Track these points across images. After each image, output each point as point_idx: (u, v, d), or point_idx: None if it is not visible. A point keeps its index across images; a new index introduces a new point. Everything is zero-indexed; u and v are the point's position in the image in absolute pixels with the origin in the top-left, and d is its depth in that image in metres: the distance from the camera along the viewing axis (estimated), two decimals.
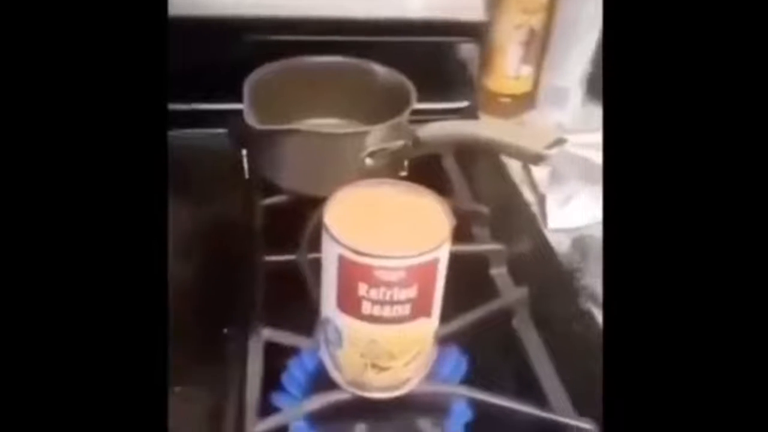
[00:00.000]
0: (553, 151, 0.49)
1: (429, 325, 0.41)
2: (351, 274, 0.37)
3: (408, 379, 0.42)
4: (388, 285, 0.37)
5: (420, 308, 0.39)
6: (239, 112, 0.59)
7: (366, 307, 0.38)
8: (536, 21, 0.74)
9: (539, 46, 0.76)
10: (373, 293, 0.37)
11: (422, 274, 0.37)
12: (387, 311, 0.38)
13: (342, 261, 0.37)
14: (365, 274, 0.37)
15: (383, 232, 0.38)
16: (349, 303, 0.38)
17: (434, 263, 0.37)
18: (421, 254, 0.37)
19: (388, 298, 0.37)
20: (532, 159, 0.51)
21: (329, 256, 0.38)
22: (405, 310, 0.38)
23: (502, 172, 0.68)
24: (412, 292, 0.37)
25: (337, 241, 0.37)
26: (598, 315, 0.52)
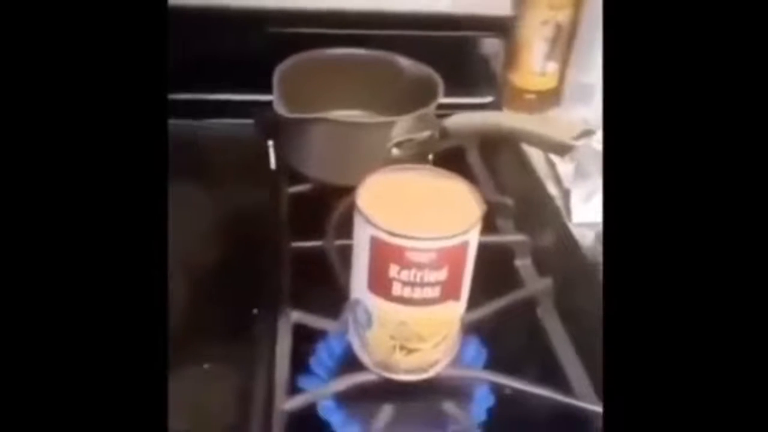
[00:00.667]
0: (581, 141, 0.50)
1: (457, 309, 0.41)
2: (383, 255, 0.38)
3: (435, 362, 0.43)
4: (419, 266, 0.37)
5: (449, 291, 0.39)
6: (265, 103, 0.60)
7: (397, 289, 0.38)
8: (563, 17, 0.74)
9: (565, 42, 0.76)
10: (404, 275, 0.38)
11: (452, 257, 0.38)
12: (417, 293, 0.38)
13: (374, 242, 0.38)
14: (397, 255, 0.37)
15: (414, 216, 0.39)
16: (380, 284, 0.39)
17: (464, 246, 0.38)
18: (452, 236, 0.37)
19: (418, 279, 0.38)
20: (559, 149, 0.52)
21: (361, 238, 0.39)
22: (435, 292, 0.39)
23: (526, 165, 0.69)
24: (442, 275, 0.38)
25: (371, 223, 0.38)
26: None
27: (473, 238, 0.39)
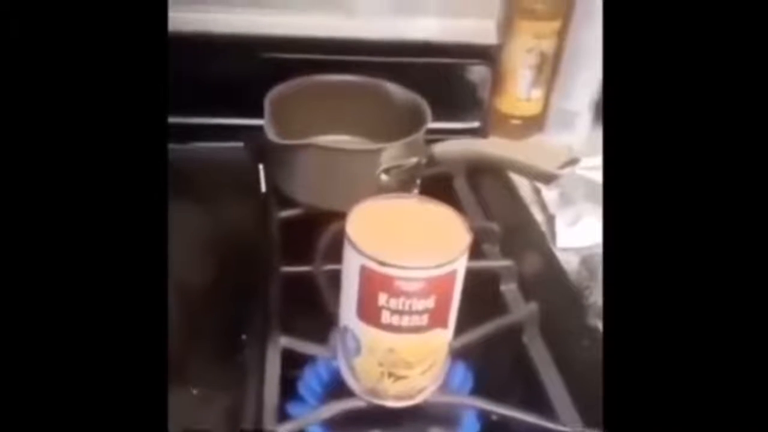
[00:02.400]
0: (565, 170, 0.51)
1: (444, 336, 0.42)
2: (372, 284, 0.38)
3: (423, 389, 0.43)
4: (408, 295, 0.38)
5: (437, 319, 0.40)
6: (257, 127, 0.60)
7: (385, 317, 0.39)
8: (547, 45, 0.76)
9: (550, 70, 0.78)
10: (393, 303, 0.38)
11: (440, 285, 0.39)
12: (405, 321, 0.39)
13: (364, 271, 0.38)
14: (386, 284, 0.38)
15: (403, 244, 0.40)
16: (369, 312, 0.39)
17: (452, 275, 0.39)
18: (440, 266, 0.38)
19: (407, 308, 0.38)
20: (544, 178, 0.53)
21: (351, 266, 0.40)
22: (423, 320, 0.39)
23: (512, 191, 0.70)
24: (430, 303, 0.39)
25: (360, 252, 0.38)
26: None
27: (461, 267, 0.39)
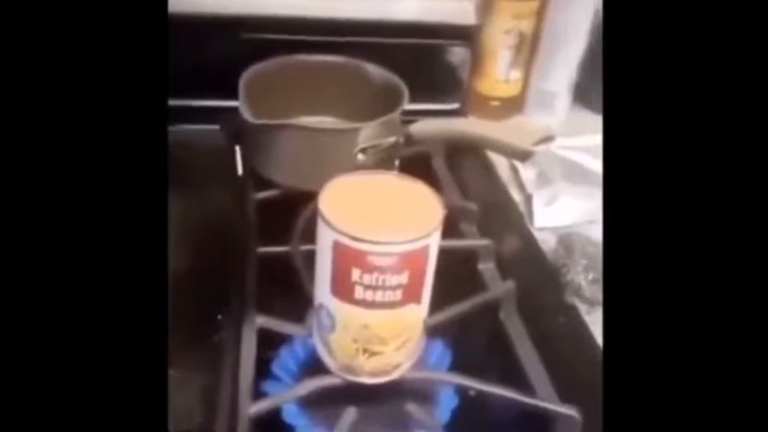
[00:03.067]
0: (540, 147, 0.51)
1: (419, 312, 0.42)
2: (345, 259, 0.38)
3: (398, 365, 0.43)
4: (381, 270, 0.38)
5: (410, 294, 0.40)
6: (233, 109, 0.60)
7: (359, 292, 0.39)
8: (526, 26, 0.76)
9: (528, 50, 0.78)
10: (366, 278, 0.38)
11: (414, 260, 0.39)
12: (379, 296, 0.39)
13: (337, 247, 0.38)
14: (359, 259, 0.38)
15: (376, 219, 0.40)
16: (343, 288, 0.39)
17: (425, 250, 0.39)
18: (413, 240, 0.38)
19: (380, 283, 0.38)
20: (519, 155, 0.53)
21: (324, 242, 0.39)
22: (396, 295, 0.39)
23: (490, 171, 0.70)
24: (403, 278, 0.39)
25: (333, 228, 0.38)
26: (582, 308, 0.54)
27: (434, 242, 0.39)
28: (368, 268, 0.38)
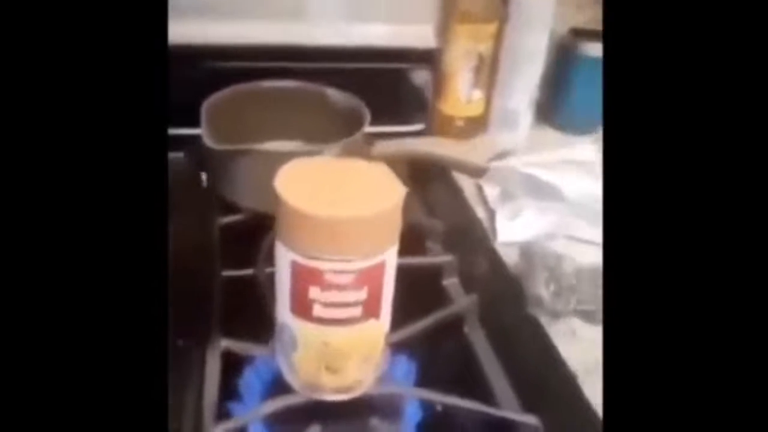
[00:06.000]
0: (497, 163, 0.53)
1: (379, 327, 0.43)
2: (302, 278, 0.39)
3: (361, 381, 0.44)
4: (339, 287, 0.39)
5: (370, 310, 0.41)
6: (197, 137, 0.61)
7: (318, 310, 0.40)
8: (484, 48, 0.78)
9: (489, 71, 0.80)
10: (324, 296, 0.39)
11: (371, 277, 0.39)
12: (338, 313, 0.40)
13: (294, 266, 0.39)
14: (316, 277, 0.39)
15: (335, 199, 0.39)
16: (302, 307, 0.40)
17: (382, 265, 0.40)
18: (369, 257, 0.39)
19: (338, 300, 0.39)
20: (475, 172, 0.55)
21: (282, 263, 0.40)
22: (355, 311, 0.40)
23: (454, 189, 0.71)
24: (361, 294, 0.40)
25: (290, 248, 0.39)
26: (544, 320, 0.55)
27: (391, 258, 0.40)
28: (326, 286, 0.39)
